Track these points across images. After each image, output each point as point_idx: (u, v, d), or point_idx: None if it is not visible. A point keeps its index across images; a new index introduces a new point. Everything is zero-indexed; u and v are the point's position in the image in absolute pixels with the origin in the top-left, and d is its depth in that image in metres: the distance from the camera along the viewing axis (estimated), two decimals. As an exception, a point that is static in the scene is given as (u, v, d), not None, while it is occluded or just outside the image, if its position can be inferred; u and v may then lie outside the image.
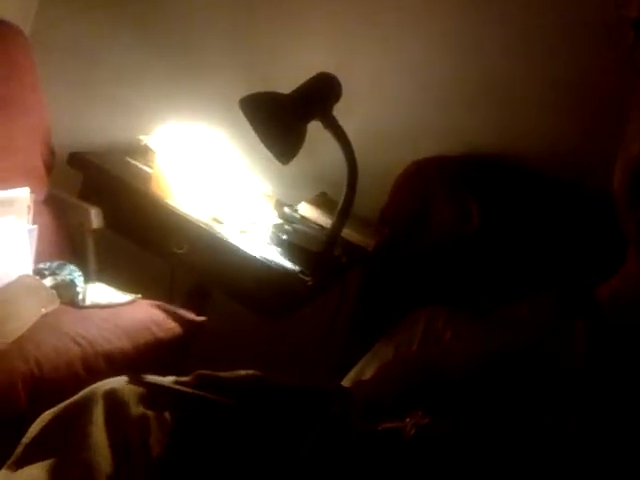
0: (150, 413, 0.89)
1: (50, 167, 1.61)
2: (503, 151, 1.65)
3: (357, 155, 1.44)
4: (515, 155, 1.63)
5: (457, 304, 1.34)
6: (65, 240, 1.58)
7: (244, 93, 1.40)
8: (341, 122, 1.44)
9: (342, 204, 1.45)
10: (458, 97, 1.67)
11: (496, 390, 0.62)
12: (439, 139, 1.68)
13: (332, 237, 1.48)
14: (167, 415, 0.88)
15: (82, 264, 1.54)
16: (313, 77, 1.44)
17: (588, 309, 0.69)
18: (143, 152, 1.71)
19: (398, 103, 1.72)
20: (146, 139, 1.69)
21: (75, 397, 0.98)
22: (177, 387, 0.86)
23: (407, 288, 1.58)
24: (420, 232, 1.58)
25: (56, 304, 1.35)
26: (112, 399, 0.92)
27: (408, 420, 0.63)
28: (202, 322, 1.51)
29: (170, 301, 1.56)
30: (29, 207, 1.41)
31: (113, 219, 1.61)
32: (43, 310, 1.30)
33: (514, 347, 0.66)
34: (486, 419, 0.58)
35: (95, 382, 0.98)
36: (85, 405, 0.94)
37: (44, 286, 1.36)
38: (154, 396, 0.87)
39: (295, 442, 0.74)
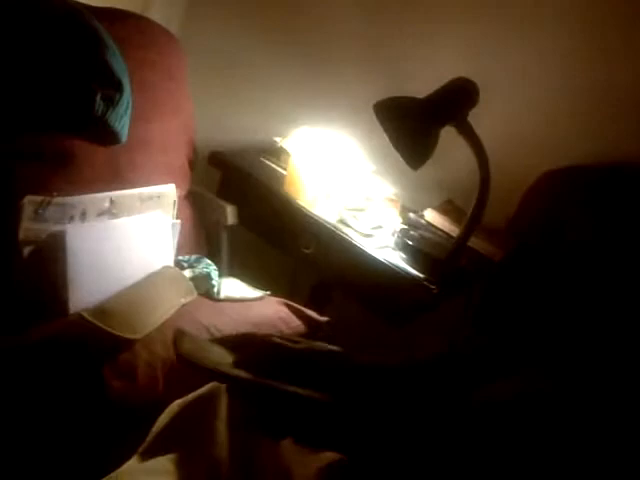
0: None
1: (192, 165, 1.70)
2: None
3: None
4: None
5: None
6: (202, 235, 1.66)
7: (376, 99, 1.41)
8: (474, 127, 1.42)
9: (472, 213, 1.43)
10: (599, 104, 1.60)
11: None
12: (576, 148, 1.61)
13: (459, 246, 1.46)
14: None
15: (216, 258, 1.61)
16: (450, 81, 1.41)
17: None
18: (277, 153, 1.77)
19: (535, 110, 1.66)
20: (281, 141, 1.75)
21: (201, 390, 1.04)
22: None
23: (529, 300, 1.54)
24: (551, 246, 1.52)
25: (194, 295, 1.42)
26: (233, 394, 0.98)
27: None
28: (325, 322, 1.54)
29: (290, 299, 1.60)
30: (174, 202, 1.50)
31: (246, 216, 1.69)
32: (182, 300, 1.37)
33: None
34: None
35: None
36: (210, 399, 1.00)
37: (185, 277, 1.43)
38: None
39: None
